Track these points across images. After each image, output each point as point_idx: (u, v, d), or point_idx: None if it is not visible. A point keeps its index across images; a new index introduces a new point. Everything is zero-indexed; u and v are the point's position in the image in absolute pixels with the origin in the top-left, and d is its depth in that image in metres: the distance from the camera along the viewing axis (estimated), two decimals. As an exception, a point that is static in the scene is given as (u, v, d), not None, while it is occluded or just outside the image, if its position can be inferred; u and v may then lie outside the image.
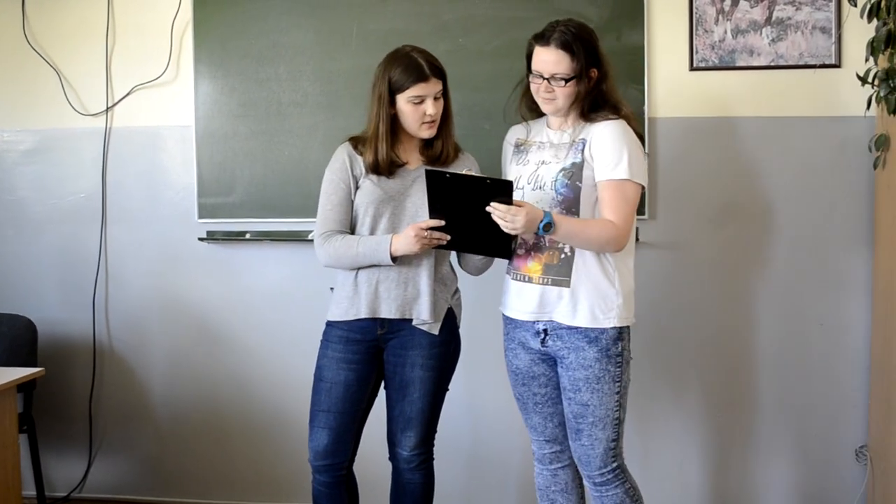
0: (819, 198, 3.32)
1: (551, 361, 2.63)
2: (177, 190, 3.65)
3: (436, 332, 2.66)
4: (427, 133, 2.64)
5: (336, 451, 2.69)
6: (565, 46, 2.48)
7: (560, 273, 2.53)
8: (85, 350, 3.75)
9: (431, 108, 2.59)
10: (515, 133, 2.76)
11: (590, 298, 2.52)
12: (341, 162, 2.69)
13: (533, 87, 2.58)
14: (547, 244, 2.54)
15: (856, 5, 2.95)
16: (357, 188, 2.67)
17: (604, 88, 2.57)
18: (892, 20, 2.79)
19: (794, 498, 3.42)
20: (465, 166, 2.67)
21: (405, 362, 2.68)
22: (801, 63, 3.26)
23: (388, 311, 2.64)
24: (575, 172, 2.52)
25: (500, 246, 2.52)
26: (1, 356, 3.42)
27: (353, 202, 2.68)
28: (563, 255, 2.53)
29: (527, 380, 2.68)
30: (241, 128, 3.53)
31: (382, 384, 2.78)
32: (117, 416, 3.77)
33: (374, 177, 2.65)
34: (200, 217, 3.59)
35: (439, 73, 2.63)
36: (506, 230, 2.38)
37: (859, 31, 3.10)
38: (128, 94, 3.65)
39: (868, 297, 3.30)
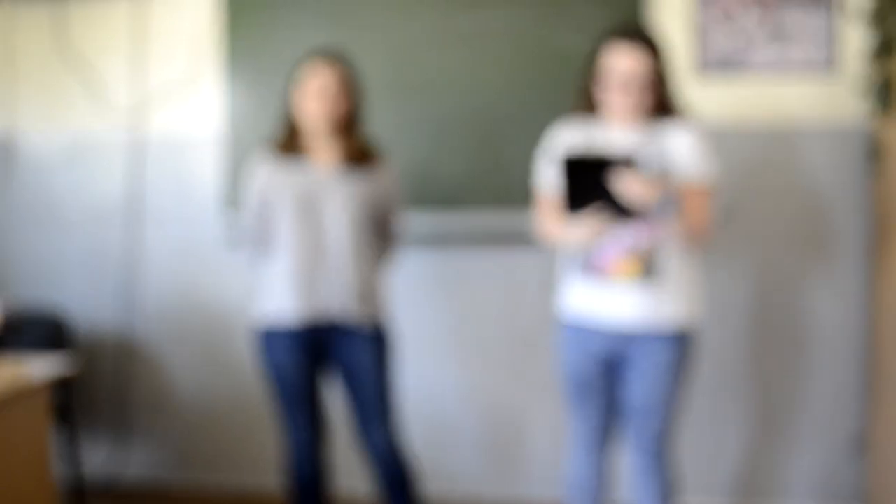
0: (817, 205, 3.36)
1: (615, 359, 2.63)
2: (205, 193, 3.77)
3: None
4: (321, 116, 2.76)
5: (318, 430, 2.91)
6: (647, 45, 2.49)
7: (650, 274, 2.50)
8: (116, 346, 3.88)
9: (327, 91, 2.75)
10: (570, 134, 2.63)
11: (678, 300, 2.53)
12: (254, 174, 2.89)
13: (610, 87, 2.52)
14: (638, 247, 2.51)
15: (855, 14, 2.99)
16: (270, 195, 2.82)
17: (669, 89, 2.56)
18: (889, 28, 2.87)
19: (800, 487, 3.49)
20: (387, 170, 2.87)
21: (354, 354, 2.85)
22: (800, 71, 3.29)
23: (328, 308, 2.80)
24: (663, 177, 2.49)
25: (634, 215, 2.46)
26: (38, 352, 3.50)
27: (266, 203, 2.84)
28: (652, 258, 2.50)
29: (589, 378, 2.65)
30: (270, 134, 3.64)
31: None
32: (150, 410, 3.89)
33: (286, 181, 2.80)
34: (228, 220, 3.69)
35: (342, 64, 2.82)
36: (638, 202, 2.38)
37: (857, 39, 3.17)
38: (158, 101, 3.77)
39: (865, 293, 3.35)
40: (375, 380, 2.84)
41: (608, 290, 2.54)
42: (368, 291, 2.83)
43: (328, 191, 2.78)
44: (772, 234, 3.41)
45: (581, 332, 2.63)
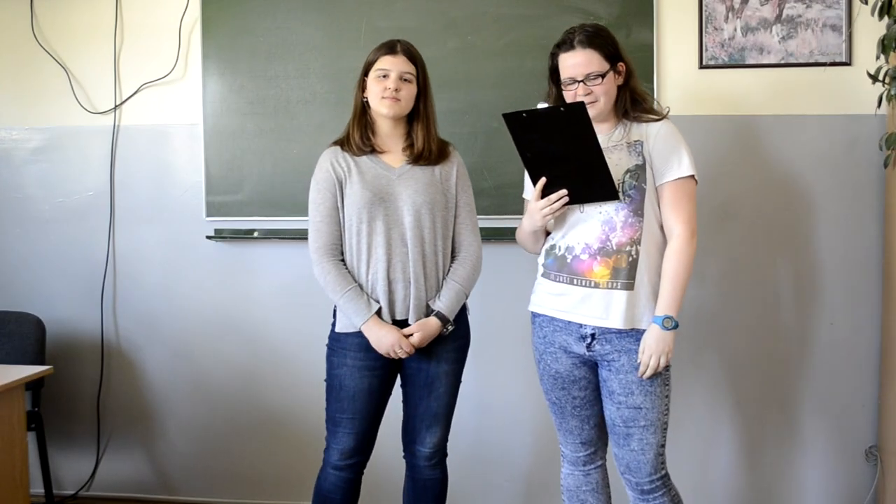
0: (829, 196, 3.30)
1: (591, 364, 2.57)
2: (185, 188, 3.64)
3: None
4: (386, 108, 2.61)
5: (361, 450, 2.71)
6: (591, 44, 2.46)
7: (628, 276, 2.45)
8: (93, 348, 3.74)
9: (393, 84, 2.59)
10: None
11: (651, 300, 2.47)
12: (325, 171, 2.67)
13: (569, 96, 2.51)
14: (615, 247, 2.46)
15: (867, 3, 2.94)
16: (343, 193, 2.65)
17: (633, 83, 2.55)
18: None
19: (808, 497, 3.42)
20: (455, 163, 2.70)
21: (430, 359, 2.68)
22: (811, 61, 3.25)
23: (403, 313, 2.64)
24: (640, 174, 2.47)
25: (605, 184, 2.41)
26: (9, 354, 3.42)
27: (340, 209, 2.66)
28: (630, 259, 2.45)
29: (567, 384, 2.60)
30: (250, 125, 3.52)
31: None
32: (125, 414, 3.77)
33: (357, 178, 2.63)
34: (208, 215, 3.58)
35: (411, 57, 2.64)
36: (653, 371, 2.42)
37: (870, 28, 3.11)
38: (136, 92, 3.65)
39: (878, 296, 3.29)
40: (449, 384, 2.71)
41: (584, 290, 2.51)
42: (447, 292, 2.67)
43: (401, 187, 2.63)
44: (780, 228, 3.34)
45: (548, 325, 2.63)
